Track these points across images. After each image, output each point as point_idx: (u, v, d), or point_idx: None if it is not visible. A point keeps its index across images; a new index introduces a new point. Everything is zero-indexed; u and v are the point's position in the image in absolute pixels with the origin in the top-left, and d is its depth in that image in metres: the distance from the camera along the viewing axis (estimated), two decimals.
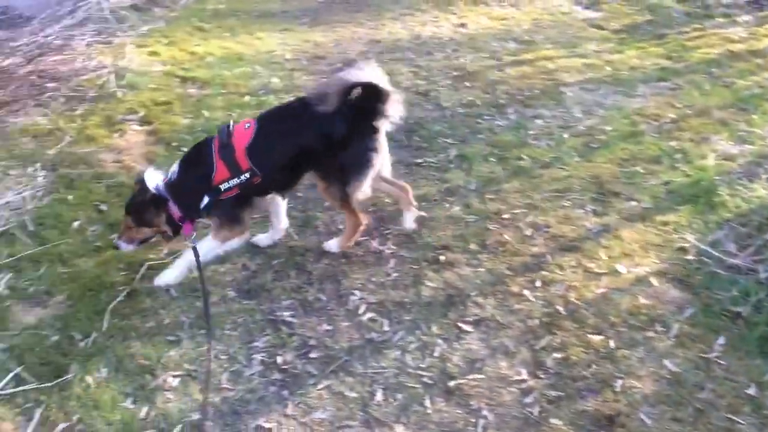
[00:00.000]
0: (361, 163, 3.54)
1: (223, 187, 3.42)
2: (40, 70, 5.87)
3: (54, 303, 3.49)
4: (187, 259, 3.59)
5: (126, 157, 4.83)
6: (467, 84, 6.11)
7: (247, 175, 3.40)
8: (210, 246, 3.61)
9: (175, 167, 3.54)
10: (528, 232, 3.94)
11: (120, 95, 5.75)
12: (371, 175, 3.59)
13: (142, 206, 3.50)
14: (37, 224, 4.05)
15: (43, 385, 2.98)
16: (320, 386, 2.98)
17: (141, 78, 6.12)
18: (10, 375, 3.02)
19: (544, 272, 3.59)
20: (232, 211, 3.55)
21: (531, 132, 5.18)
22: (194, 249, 3.44)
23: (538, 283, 3.52)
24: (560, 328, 3.21)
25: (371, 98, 3.41)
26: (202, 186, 3.44)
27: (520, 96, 5.82)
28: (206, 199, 3.44)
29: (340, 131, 3.43)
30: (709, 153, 4.72)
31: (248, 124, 3.44)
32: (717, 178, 4.37)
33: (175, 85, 6.09)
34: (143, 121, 5.36)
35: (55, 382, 2.99)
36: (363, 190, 3.62)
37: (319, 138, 3.45)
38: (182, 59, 6.73)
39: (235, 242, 3.69)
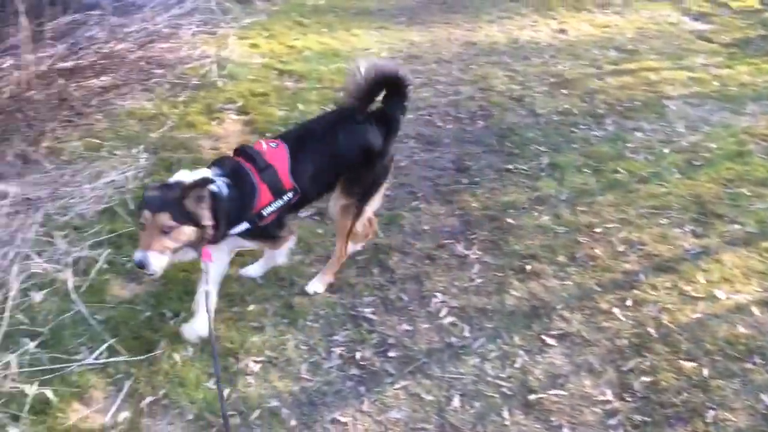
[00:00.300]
0: (386, 174, 3.52)
1: (265, 212, 3.14)
2: (149, 57, 6.13)
3: (148, 280, 3.62)
4: (271, 257, 3.58)
5: (222, 144, 4.97)
6: (564, 91, 5.97)
7: (290, 194, 3.18)
8: (272, 254, 3.52)
9: (216, 177, 3.02)
10: (621, 248, 3.80)
11: (220, 84, 5.94)
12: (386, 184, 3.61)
13: (184, 194, 2.87)
14: (136, 204, 4.22)
15: (133, 358, 3.10)
16: (397, 386, 2.97)
17: (241, 69, 6.30)
18: (104, 346, 3.16)
19: (636, 291, 3.46)
20: (274, 232, 3.28)
21: (629, 145, 5.00)
22: (206, 294, 2.98)
23: (628, 302, 3.39)
24: (650, 351, 3.08)
25: (393, 94, 3.37)
26: (243, 212, 3.10)
27: (620, 107, 5.64)
28: (245, 225, 3.13)
29: (378, 142, 3.35)
30: None
31: (274, 144, 3.22)
32: None
33: (272, 78, 6.24)
34: (241, 111, 5.51)
35: (145, 356, 3.12)
36: (377, 202, 3.60)
37: (361, 151, 3.34)
38: (281, 52, 6.89)
39: (291, 243, 3.49)
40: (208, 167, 3.15)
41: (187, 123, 5.25)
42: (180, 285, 3.56)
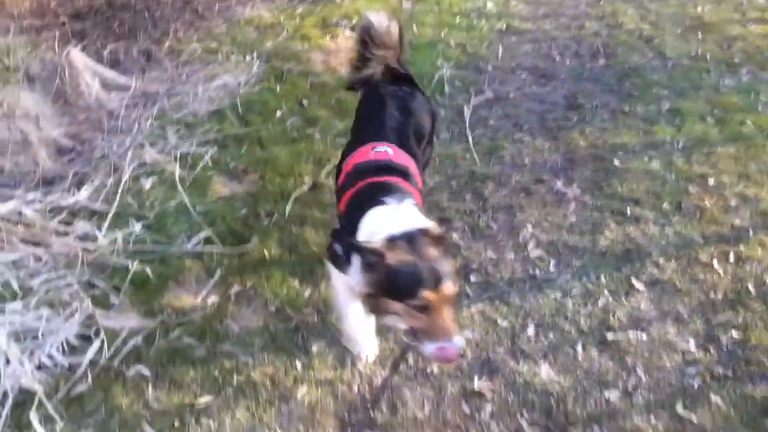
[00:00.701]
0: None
1: None
2: None
3: (248, 180, 3.78)
4: None
5: (333, 59, 5.01)
6: (699, 35, 5.53)
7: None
8: None
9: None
10: (733, 202, 3.54)
11: (338, 0, 5.93)
12: None
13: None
14: (246, 108, 4.37)
15: (226, 250, 3.26)
16: (473, 308, 2.97)
17: None
18: (202, 235, 3.34)
19: (741, 247, 3.23)
20: None
21: (763, 98, 4.58)
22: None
23: (731, 257, 3.18)
24: (746, 307, 2.89)
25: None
26: None
27: (759, 56, 5.16)
28: None
29: (428, 101, 3.19)
30: None
31: (386, 148, 2.64)
32: None
33: None
34: (354, 28, 5.49)
35: (237, 249, 3.27)
36: None
37: (430, 118, 3.09)
38: None
39: None
40: (381, 197, 2.36)
41: (302, 35, 5.31)
42: (277, 189, 3.68)
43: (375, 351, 2.76)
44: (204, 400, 2.59)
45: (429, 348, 2.08)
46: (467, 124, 4.30)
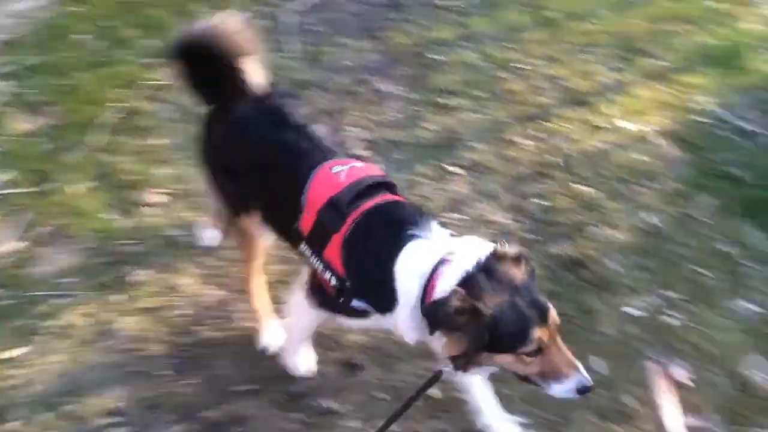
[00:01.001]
0: None
1: None
2: None
3: (51, 112, 3.49)
4: None
5: None
6: None
7: None
8: None
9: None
10: (541, 83, 3.75)
11: None
12: None
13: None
14: (43, 34, 4.00)
15: (30, 190, 3.04)
16: None
17: None
18: (2, 177, 3.08)
19: (546, 123, 3.46)
20: None
21: None
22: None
23: (538, 134, 3.39)
24: (550, 177, 3.14)
25: None
26: None
27: None
28: None
29: None
30: (752, 17, 4.31)
31: (349, 164, 2.07)
32: (754, 43, 4.04)
33: None
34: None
35: (42, 188, 3.05)
36: None
37: None
38: None
39: None
40: (403, 227, 1.88)
41: None
42: (84, 117, 3.43)
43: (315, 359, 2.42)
44: (15, 351, 2.45)
45: (558, 390, 1.75)
46: (283, 32, 4.17)
